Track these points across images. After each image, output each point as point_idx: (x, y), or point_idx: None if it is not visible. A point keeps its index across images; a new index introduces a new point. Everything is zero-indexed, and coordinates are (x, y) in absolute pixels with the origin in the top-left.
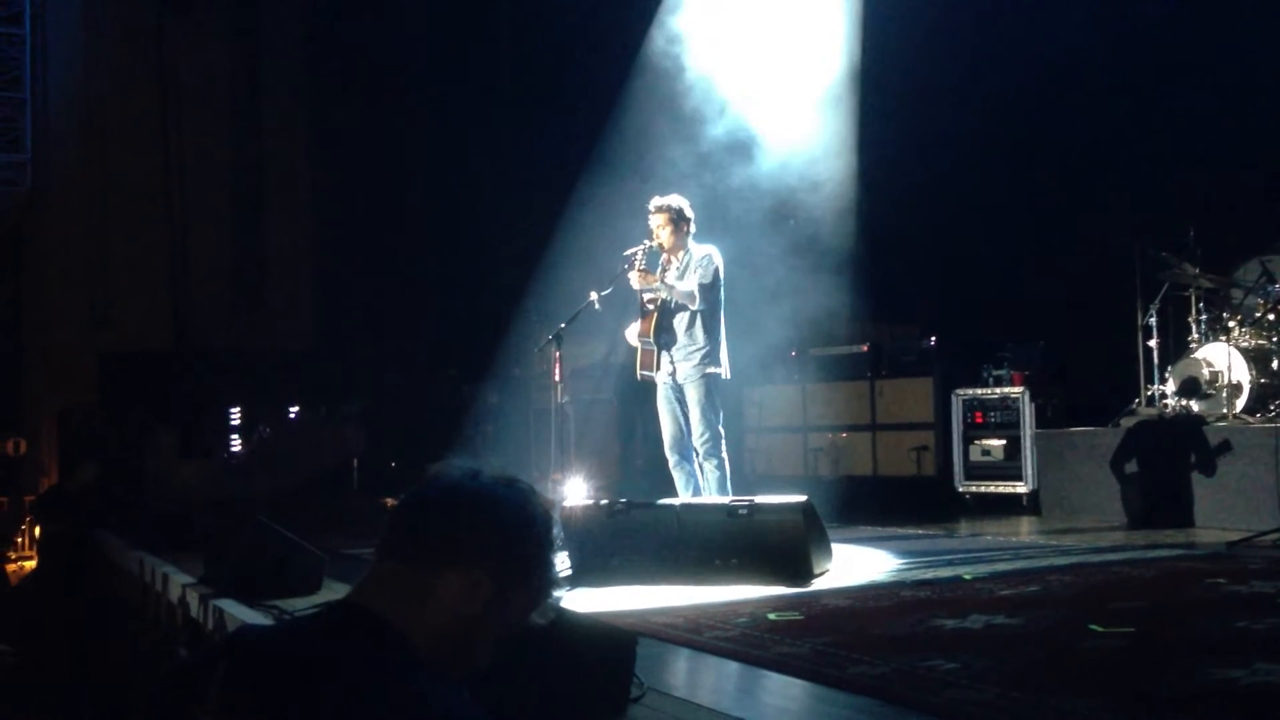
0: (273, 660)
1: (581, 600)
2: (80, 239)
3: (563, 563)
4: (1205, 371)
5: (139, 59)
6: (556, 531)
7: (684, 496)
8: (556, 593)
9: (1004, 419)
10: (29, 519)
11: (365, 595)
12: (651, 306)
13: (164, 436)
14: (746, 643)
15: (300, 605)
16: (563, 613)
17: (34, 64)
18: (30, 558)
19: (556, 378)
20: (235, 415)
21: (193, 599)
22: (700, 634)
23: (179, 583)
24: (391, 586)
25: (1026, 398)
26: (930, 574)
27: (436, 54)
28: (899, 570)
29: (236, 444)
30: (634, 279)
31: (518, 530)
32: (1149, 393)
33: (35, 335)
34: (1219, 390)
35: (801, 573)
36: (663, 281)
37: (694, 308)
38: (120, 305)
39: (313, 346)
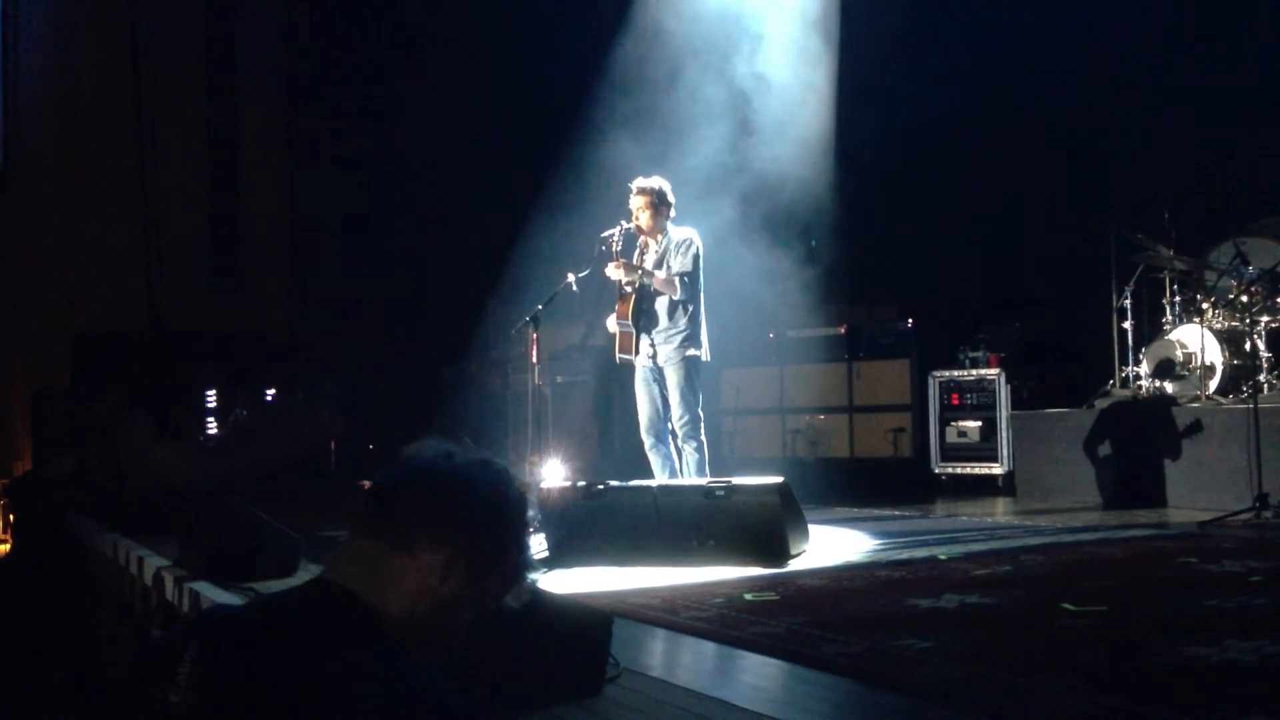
0: (243, 639)
1: (558, 581)
2: (53, 219)
3: (539, 544)
4: (1179, 353)
5: (112, 35)
6: (531, 513)
7: (661, 478)
8: (531, 575)
9: (980, 401)
10: (2, 503)
11: (337, 573)
12: (630, 289)
13: (139, 419)
14: (723, 623)
15: (276, 588)
16: (538, 593)
17: (5, 40)
18: (4, 541)
19: (533, 360)
20: (211, 398)
21: (168, 581)
22: (677, 614)
23: (154, 565)
24: (364, 565)
25: (1002, 379)
26: (905, 554)
27: (414, 34)
28: (875, 551)
29: (212, 426)
30: (614, 271)
31: (492, 511)
32: (1123, 374)
33: (7, 317)
34: (1192, 372)
35: (778, 553)
36: (644, 271)
37: (677, 297)
38: (94, 287)
39: (289, 329)
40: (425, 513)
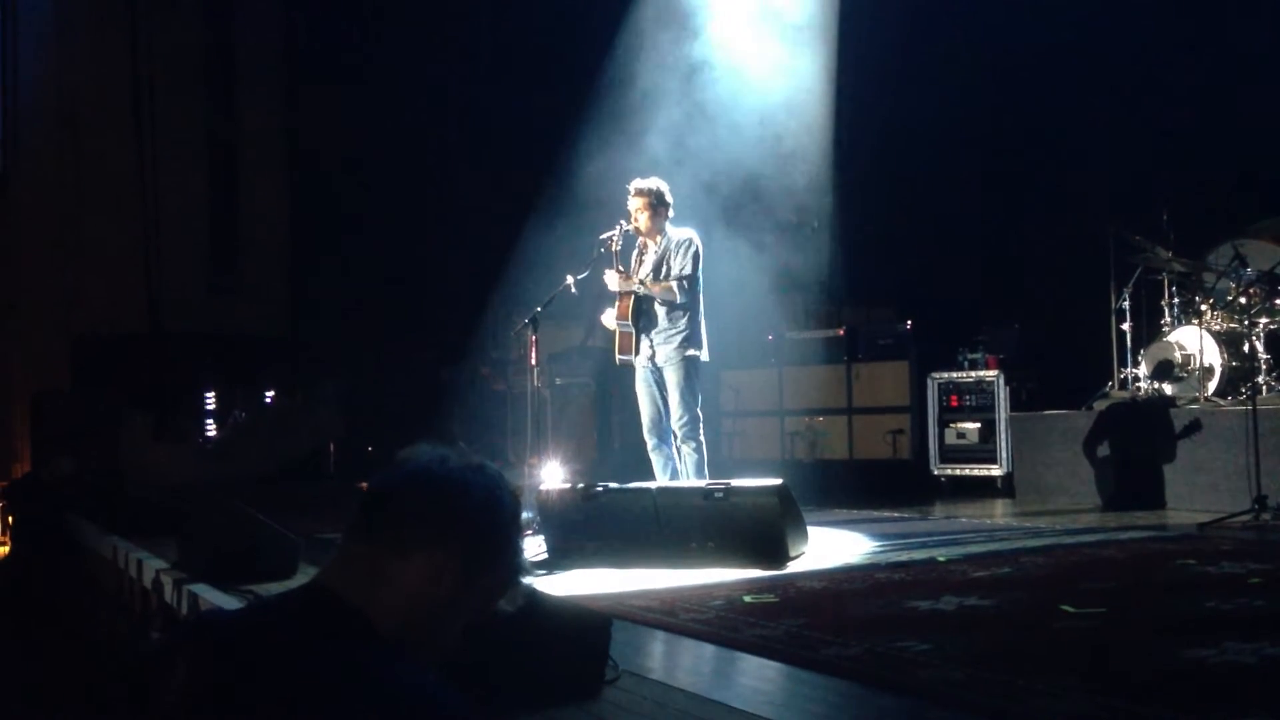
0: (238, 642)
1: (557, 583)
2: (53, 221)
3: (538, 546)
4: (1177, 355)
5: (112, 35)
6: (525, 517)
7: (661, 479)
8: (525, 578)
9: (979, 402)
10: (2, 505)
11: (331, 577)
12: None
13: (138, 421)
14: (722, 625)
15: (275, 590)
16: (536, 595)
17: (5, 43)
18: (3, 543)
19: (533, 361)
20: (210, 399)
21: (166, 584)
22: (676, 616)
23: (153, 567)
24: (359, 569)
25: (1001, 381)
26: (905, 556)
27: (413, 33)
28: (874, 553)
29: (211, 428)
30: (612, 281)
31: (485, 515)
32: (1122, 376)
33: (6, 318)
34: (1191, 373)
35: (777, 555)
36: (641, 283)
37: (678, 302)
38: (93, 288)
39: (289, 330)
40: (420, 517)
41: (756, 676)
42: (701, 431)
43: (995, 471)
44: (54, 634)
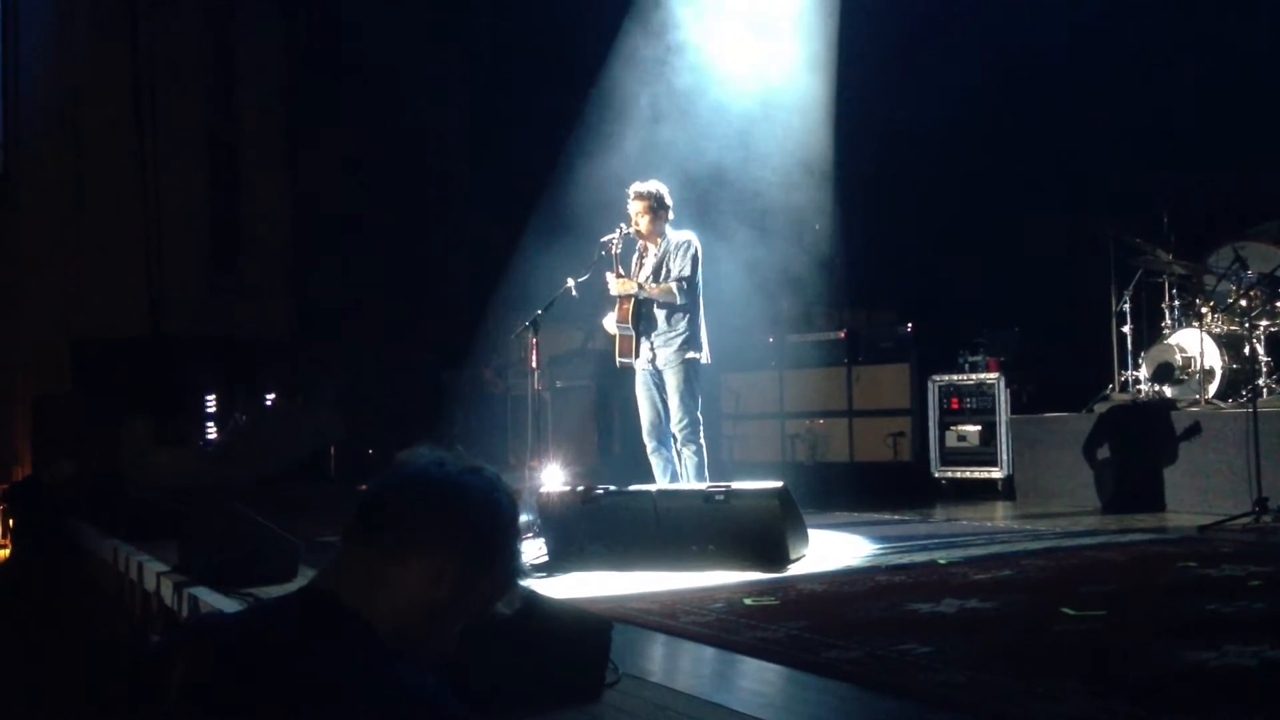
0: (236, 645)
1: (557, 586)
2: (54, 225)
3: (538, 549)
4: (1178, 357)
5: (113, 42)
6: (522, 519)
7: (661, 482)
8: (523, 580)
9: (979, 405)
10: (2, 508)
11: (330, 580)
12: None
13: (139, 424)
14: (722, 628)
15: (275, 593)
16: (535, 598)
17: (6, 46)
18: (4, 547)
19: (533, 364)
20: (211, 402)
21: (167, 587)
22: (676, 619)
23: (154, 571)
24: (356, 572)
25: (1002, 384)
26: (905, 559)
27: (414, 35)
28: (874, 555)
29: (212, 431)
30: (611, 284)
31: (483, 517)
32: (1122, 378)
33: (7, 322)
34: (1191, 376)
35: (778, 558)
36: (641, 287)
37: (677, 304)
38: (94, 290)
39: (289, 333)
40: (418, 521)
41: (757, 679)
42: (702, 434)
43: (996, 474)
44: (55, 636)
